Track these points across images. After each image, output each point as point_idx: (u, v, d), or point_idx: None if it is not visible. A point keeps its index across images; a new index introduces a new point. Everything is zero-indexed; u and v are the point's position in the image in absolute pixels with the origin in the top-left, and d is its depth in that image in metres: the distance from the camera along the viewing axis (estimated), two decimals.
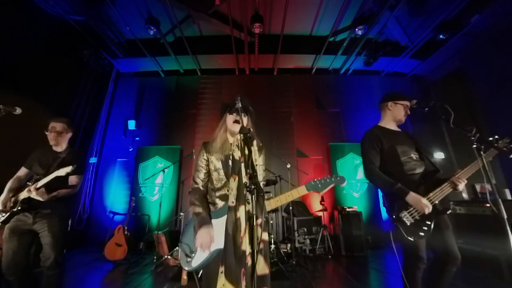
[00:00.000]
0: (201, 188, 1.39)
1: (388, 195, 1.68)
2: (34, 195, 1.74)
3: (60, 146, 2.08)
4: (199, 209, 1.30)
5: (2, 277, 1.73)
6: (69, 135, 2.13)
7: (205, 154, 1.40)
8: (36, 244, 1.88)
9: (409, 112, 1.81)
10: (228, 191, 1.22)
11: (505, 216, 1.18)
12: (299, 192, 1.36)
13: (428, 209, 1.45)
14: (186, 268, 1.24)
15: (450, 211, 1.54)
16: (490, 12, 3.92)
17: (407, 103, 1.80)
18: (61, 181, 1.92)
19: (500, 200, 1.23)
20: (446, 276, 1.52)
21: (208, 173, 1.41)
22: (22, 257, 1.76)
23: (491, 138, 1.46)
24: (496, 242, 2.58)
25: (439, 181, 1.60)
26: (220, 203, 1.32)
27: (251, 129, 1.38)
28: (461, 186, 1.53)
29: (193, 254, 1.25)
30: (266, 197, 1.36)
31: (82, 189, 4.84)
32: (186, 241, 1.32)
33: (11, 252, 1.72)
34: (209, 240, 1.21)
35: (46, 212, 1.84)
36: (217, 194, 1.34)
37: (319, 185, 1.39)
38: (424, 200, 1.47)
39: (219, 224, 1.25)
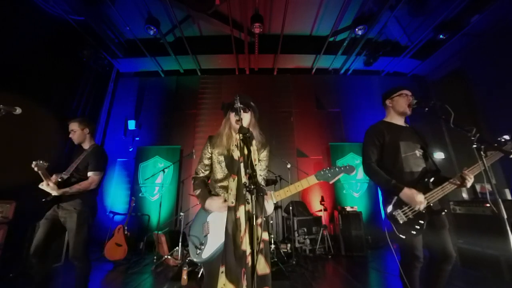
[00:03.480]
0: (200, 177, 1.48)
1: (384, 192, 1.68)
2: (45, 187, 1.89)
3: (85, 143, 2.26)
4: (198, 191, 1.41)
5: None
6: (85, 131, 2.25)
7: (209, 147, 1.46)
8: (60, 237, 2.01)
9: (411, 99, 1.73)
10: (229, 182, 1.26)
11: (505, 216, 1.18)
12: (309, 182, 1.34)
13: (423, 205, 1.45)
14: (196, 260, 1.24)
15: (445, 211, 1.53)
16: (490, 12, 3.92)
17: (404, 91, 1.75)
18: (81, 178, 2.08)
19: (500, 200, 1.23)
20: (443, 275, 1.52)
21: (211, 166, 1.47)
22: (45, 243, 1.92)
23: (499, 139, 1.44)
24: (496, 242, 2.58)
25: (439, 180, 1.58)
26: (223, 195, 1.35)
27: (255, 124, 1.45)
28: (469, 183, 1.48)
29: (203, 246, 1.25)
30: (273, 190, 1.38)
31: None
32: (195, 233, 1.32)
33: (40, 236, 1.92)
34: (222, 202, 1.29)
35: (68, 208, 1.99)
36: (219, 184, 1.39)
37: (329, 175, 1.35)
38: (419, 197, 1.45)
39: (223, 217, 1.25)
